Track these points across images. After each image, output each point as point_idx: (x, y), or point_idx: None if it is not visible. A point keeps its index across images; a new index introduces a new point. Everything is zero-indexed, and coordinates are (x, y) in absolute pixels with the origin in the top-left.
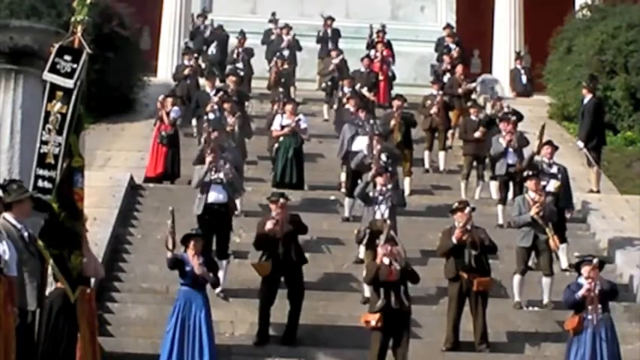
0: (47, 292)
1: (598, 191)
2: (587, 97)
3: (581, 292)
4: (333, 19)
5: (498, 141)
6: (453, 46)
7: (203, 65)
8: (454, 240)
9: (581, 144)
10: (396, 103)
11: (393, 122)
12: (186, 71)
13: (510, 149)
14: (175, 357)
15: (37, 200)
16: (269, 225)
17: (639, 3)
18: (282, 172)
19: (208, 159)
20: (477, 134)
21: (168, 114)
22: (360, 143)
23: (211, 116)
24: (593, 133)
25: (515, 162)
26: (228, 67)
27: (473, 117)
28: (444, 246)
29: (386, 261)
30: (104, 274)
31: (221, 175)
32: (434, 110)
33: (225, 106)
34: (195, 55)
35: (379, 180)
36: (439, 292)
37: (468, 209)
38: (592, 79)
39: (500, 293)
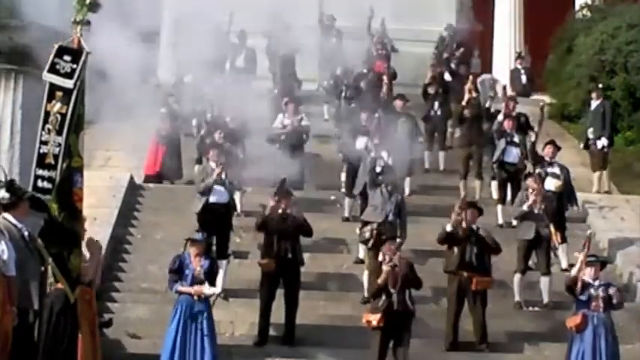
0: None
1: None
2: (599, 100)
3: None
4: (334, 19)
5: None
6: (454, 46)
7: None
8: (448, 227)
9: (606, 142)
10: (398, 103)
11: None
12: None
13: (512, 147)
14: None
15: (34, 200)
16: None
17: (639, 3)
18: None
19: (214, 163)
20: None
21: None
22: (361, 143)
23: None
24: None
25: (516, 160)
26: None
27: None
28: (440, 234)
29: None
30: (99, 283)
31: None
32: (431, 76)
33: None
34: None
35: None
36: (439, 292)
37: (472, 209)
38: (594, 80)
39: (501, 293)
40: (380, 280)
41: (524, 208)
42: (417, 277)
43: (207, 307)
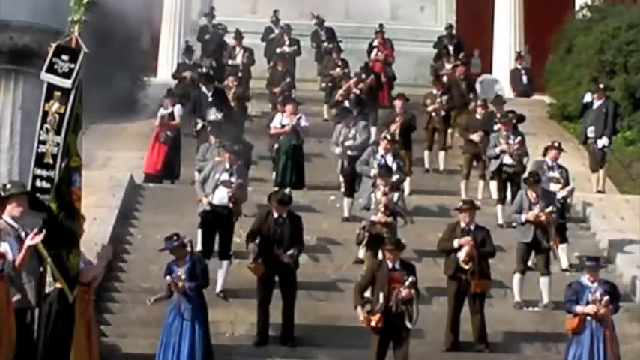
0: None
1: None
2: (601, 99)
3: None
4: (323, 20)
5: (495, 141)
6: (451, 47)
7: (204, 68)
8: (455, 244)
9: (607, 142)
10: (397, 102)
11: (394, 127)
12: (186, 73)
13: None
14: None
15: (34, 200)
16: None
17: (639, 3)
18: (283, 172)
19: (226, 164)
20: (475, 137)
21: (171, 114)
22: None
23: (212, 117)
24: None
25: (514, 163)
26: (228, 65)
27: (478, 116)
28: (445, 245)
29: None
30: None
31: (231, 178)
32: (430, 108)
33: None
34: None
35: (380, 181)
36: (438, 293)
37: (472, 209)
38: (595, 81)
39: (501, 293)
40: (382, 297)
41: (520, 220)
42: (417, 292)
43: (200, 305)
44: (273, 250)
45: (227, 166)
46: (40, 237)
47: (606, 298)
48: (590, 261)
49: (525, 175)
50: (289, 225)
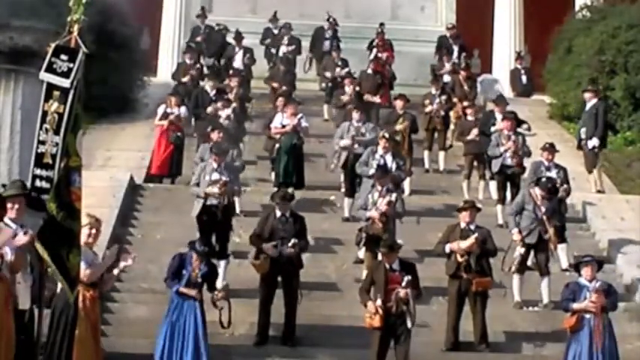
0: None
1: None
2: (594, 100)
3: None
4: (337, 23)
5: (497, 140)
6: (455, 47)
7: (205, 68)
8: (447, 249)
9: (597, 142)
10: (399, 103)
11: (401, 126)
12: (188, 71)
13: (508, 153)
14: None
15: (33, 199)
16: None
17: (639, 3)
18: (285, 172)
19: (213, 164)
20: (472, 136)
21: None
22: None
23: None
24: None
25: (513, 163)
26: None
27: (470, 117)
28: (438, 249)
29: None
30: (106, 289)
31: (223, 177)
32: (429, 109)
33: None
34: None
35: (378, 182)
36: (439, 292)
37: (473, 209)
38: (594, 82)
39: (501, 293)
40: (379, 299)
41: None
42: (417, 291)
43: (199, 306)
44: (276, 248)
45: (215, 165)
46: (25, 238)
47: (599, 284)
48: (587, 257)
49: (525, 175)
50: (293, 224)
